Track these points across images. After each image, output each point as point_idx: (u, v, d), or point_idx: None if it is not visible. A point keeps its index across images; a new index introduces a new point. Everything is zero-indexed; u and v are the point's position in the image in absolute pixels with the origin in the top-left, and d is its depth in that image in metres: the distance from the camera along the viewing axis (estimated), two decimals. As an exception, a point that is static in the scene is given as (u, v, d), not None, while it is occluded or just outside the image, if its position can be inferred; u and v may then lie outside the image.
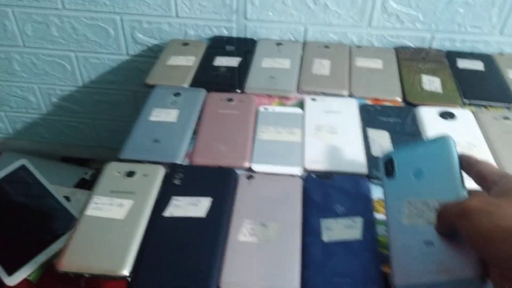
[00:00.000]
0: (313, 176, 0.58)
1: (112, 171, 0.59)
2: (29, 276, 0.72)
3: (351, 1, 0.83)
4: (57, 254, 0.74)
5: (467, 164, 0.42)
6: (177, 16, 0.91)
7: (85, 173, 1.14)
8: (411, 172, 0.45)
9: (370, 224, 0.51)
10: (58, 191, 0.86)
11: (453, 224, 0.37)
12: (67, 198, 0.91)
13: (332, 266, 0.47)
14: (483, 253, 0.35)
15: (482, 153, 0.62)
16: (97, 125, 1.19)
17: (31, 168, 0.85)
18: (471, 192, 0.41)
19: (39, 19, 0.97)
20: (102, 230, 0.51)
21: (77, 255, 0.49)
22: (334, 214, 0.52)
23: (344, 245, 0.49)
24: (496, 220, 0.34)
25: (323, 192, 0.55)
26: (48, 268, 0.74)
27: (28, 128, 1.23)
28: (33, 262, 0.73)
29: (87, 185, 1.11)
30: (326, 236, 0.50)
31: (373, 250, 0.49)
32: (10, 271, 0.71)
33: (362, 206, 0.53)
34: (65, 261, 0.48)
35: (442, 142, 0.44)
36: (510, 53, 0.86)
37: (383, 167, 0.48)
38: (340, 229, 0.51)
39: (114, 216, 0.53)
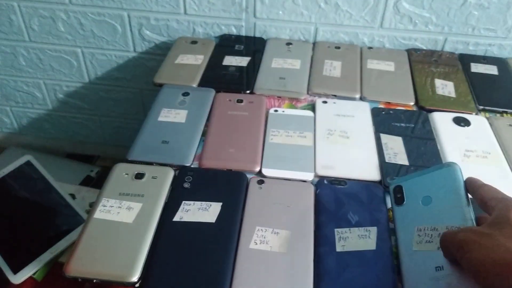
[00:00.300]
0: (325, 182, 0.57)
1: (121, 172, 0.58)
2: (34, 274, 0.72)
3: (363, 1, 0.82)
4: (64, 256, 0.74)
5: (471, 189, 0.44)
6: (185, 13, 0.90)
7: (91, 170, 1.13)
8: (419, 199, 0.48)
9: (385, 234, 0.50)
10: (63, 188, 0.85)
11: (452, 254, 0.38)
12: (73, 196, 0.90)
13: (346, 277, 0.46)
14: (480, 284, 0.35)
15: (496, 160, 0.61)
16: (103, 122, 1.18)
17: (36, 164, 0.84)
18: (479, 218, 0.43)
19: (45, 14, 0.96)
20: (110, 234, 0.51)
21: (85, 259, 0.48)
22: (348, 223, 0.51)
23: (359, 255, 0.48)
24: (488, 253, 0.35)
25: (336, 199, 0.54)
26: (53, 266, 0.74)
27: (34, 123, 1.22)
28: (38, 260, 0.73)
29: (93, 182, 1.10)
30: (340, 246, 0.49)
31: (388, 260, 0.48)
32: (15, 269, 0.71)
33: (376, 215, 0.52)
34: (73, 266, 0.47)
35: (449, 169, 0.47)
36: (525, 57, 0.85)
37: (392, 195, 0.51)
38: (355, 239, 0.50)
39: (122, 220, 0.52)
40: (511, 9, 0.79)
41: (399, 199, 0.50)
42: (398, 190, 0.51)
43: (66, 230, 0.78)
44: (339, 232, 0.50)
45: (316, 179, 0.58)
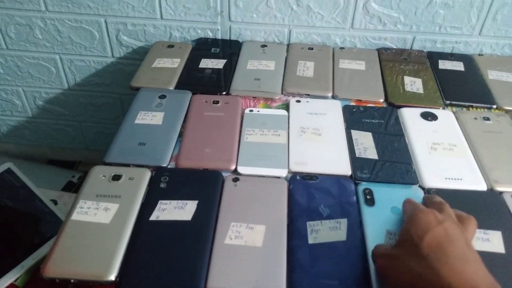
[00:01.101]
0: (298, 177, 0.59)
1: (98, 174, 0.59)
2: (15, 281, 0.72)
3: (333, 3, 0.84)
4: (43, 259, 0.74)
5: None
6: (161, 18, 0.91)
7: (72, 176, 1.14)
8: (389, 206, 0.54)
9: (355, 225, 0.52)
10: (45, 195, 0.85)
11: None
12: (54, 202, 0.90)
13: (318, 269, 0.48)
14: None
15: (462, 152, 0.63)
16: (83, 127, 1.18)
17: (17, 171, 0.84)
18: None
19: (22, 21, 0.97)
20: (87, 235, 0.52)
21: (63, 260, 0.49)
22: (320, 216, 0.53)
23: (330, 247, 0.50)
24: (398, 278, 0.39)
25: (308, 194, 0.56)
26: (35, 272, 0.74)
27: (14, 131, 1.22)
28: (19, 267, 0.73)
29: (75, 188, 1.10)
30: (312, 239, 0.51)
31: (358, 250, 0.50)
32: (-4, 276, 0.71)
33: (347, 208, 0.54)
34: (51, 267, 0.48)
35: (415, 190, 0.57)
36: (489, 54, 0.88)
37: (362, 195, 0.56)
38: (326, 231, 0.52)
39: (99, 220, 0.53)
40: (474, 7, 0.82)
41: (369, 200, 0.55)
42: (368, 192, 0.56)
43: (48, 236, 0.78)
44: (311, 225, 0.52)
45: (290, 175, 0.60)
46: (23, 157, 1.23)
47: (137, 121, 0.68)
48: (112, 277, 0.47)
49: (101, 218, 0.54)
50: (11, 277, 0.71)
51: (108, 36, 0.96)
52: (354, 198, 0.56)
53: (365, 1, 0.83)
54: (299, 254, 0.49)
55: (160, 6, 0.90)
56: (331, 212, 0.54)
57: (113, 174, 0.59)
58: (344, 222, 0.52)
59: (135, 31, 0.94)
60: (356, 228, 0.52)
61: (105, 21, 0.94)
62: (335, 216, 0.53)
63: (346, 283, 0.47)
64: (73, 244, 0.51)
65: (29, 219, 0.81)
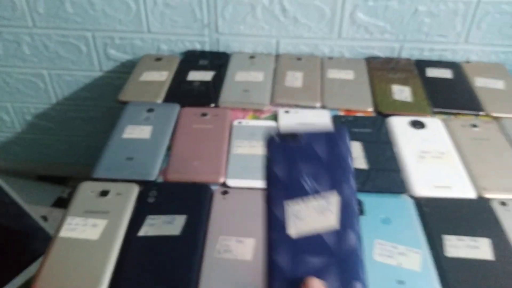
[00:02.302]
0: (276, 139, 0.38)
1: (86, 190, 0.59)
2: (4, 300, 0.71)
3: (320, 13, 0.85)
4: (33, 277, 0.73)
5: None
6: (148, 31, 0.91)
7: (62, 191, 1.13)
8: (378, 217, 0.55)
9: (351, 201, 0.36)
10: (35, 211, 0.85)
11: None
12: (44, 218, 0.90)
13: (302, 270, 0.35)
14: None
15: (450, 159, 0.63)
16: (73, 142, 1.18)
17: (6, 188, 0.84)
18: None
19: (10, 38, 0.96)
20: (76, 252, 0.51)
21: (52, 278, 0.49)
22: (302, 191, 0.36)
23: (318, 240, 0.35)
24: None
25: (289, 162, 0.38)
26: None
27: (3, 147, 1.21)
28: (10, 285, 0.72)
29: (65, 204, 1.09)
30: (293, 228, 0.36)
31: (356, 244, 0.35)
32: (-15, 296, 0.70)
33: (339, 174, 0.37)
34: (41, 285, 0.48)
35: (405, 200, 0.57)
36: (476, 61, 0.89)
37: None
38: (311, 215, 0.36)
39: (88, 237, 0.53)
40: (459, 15, 0.83)
41: (358, 210, 0.54)
42: (358, 203, 0.54)
43: (38, 254, 0.77)
44: (290, 206, 0.36)
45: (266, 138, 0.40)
46: (12, 173, 1.21)
47: (124, 136, 0.68)
48: (100, 295, 0.47)
49: (89, 234, 0.53)
50: (0, 296, 0.71)
51: (96, 50, 0.96)
52: (348, 154, 0.38)
53: (351, 11, 0.84)
54: (278, 253, 0.35)
55: (147, 19, 0.90)
56: (318, 183, 0.36)
57: (101, 189, 0.58)
58: (334, 197, 0.36)
59: (123, 44, 0.94)
60: (350, 203, 0.36)
61: (93, 36, 0.94)
62: (324, 187, 0.36)
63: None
64: (62, 262, 0.50)
65: (19, 237, 0.80)
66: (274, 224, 0.37)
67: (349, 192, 0.36)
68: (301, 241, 0.35)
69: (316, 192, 0.36)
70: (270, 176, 0.38)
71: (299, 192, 0.36)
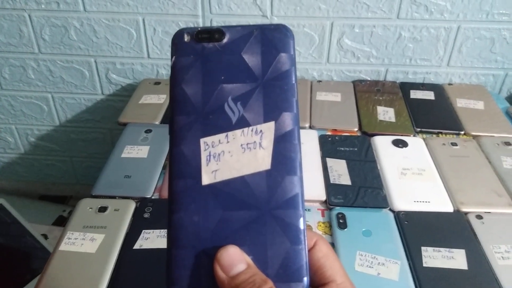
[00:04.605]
0: (187, 39, 0.27)
1: (85, 207, 0.63)
2: (5, 315, 0.73)
3: (309, 40, 0.90)
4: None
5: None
6: (148, 57, 0.96)
7: (63, 210, 1.16)
8: (360, 230, 0.58)
9: (290, 134, 0.26)
10: (36, 229, 0.87)
11: None
12: (45, 236, 0.92)
13: (218, 233, 0.25)
14: None
15: (430, 176, 0.67)
16: (74, 162, 1.22)
17: (8, 207, 0.87)
18: None
19: (16, 63, 1.02)
20: (74, 264, 0.54)
21: (51, 288, 0.52)
22: (226, 121, 0.26)
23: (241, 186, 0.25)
24: None
25: (207, 75, 0.26)
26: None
27: (6, 167, 1.25)
28: (10, 301, 0.75)
29: (65, 222, 1.12)
30: (210, 174, 0.25)
31: (296, 195, 0.26)
32: (-13, 312, 0.72)
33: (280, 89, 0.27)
34: (39, 295, 0.51)
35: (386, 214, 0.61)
36: (458, 83, 0.93)
37: (335, 220, 0.60)
38: (235, 153, 0.25)
39: (86, 250, 0.56)
40: (440, 41, 0.88)
41: (342, 224, 0.59)
42: (341, 216, 0.60)
43: (38, 272, 0.80)
44: (207, 144, 0.25)
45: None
46: (15, 193, 1.25)
47: (123, 155, 0.72)
48: (97, 304, 0.50)
49: (87, 248, 0.56)
50: (1, 312, 0.73)
51: (98, 74, 1.01)
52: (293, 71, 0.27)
53: (339, 38, 0.89)
54: (184, 205, 0.25)
55: (147, 46, 0.95)
56: (246, 109, 0.26)
57: (99, 206, 0.62)
58: (269, 127, 0.25)
59: (124, 69, 0.99)
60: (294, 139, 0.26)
61: (95, 61, 0.99)
62: (254, 116, 0.25)
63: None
64: (61, 274, 0.53)
65: (20, 255, 0.83)
66: (181, 168, 0.25)
67: (290, 123, 0.26)
68: (217, 191, 0.25)
69: (244, 122, 0.25)
70: (176, 96, 0.26)
71: (219, 121, 0.25)
